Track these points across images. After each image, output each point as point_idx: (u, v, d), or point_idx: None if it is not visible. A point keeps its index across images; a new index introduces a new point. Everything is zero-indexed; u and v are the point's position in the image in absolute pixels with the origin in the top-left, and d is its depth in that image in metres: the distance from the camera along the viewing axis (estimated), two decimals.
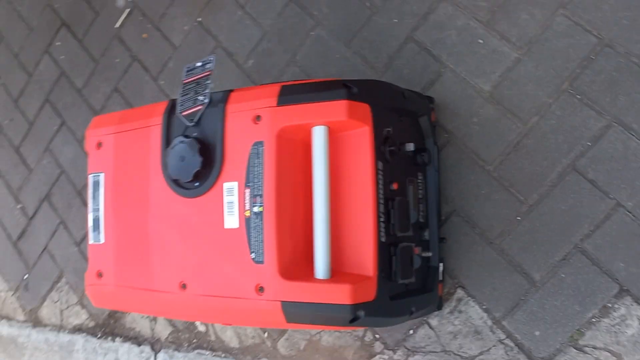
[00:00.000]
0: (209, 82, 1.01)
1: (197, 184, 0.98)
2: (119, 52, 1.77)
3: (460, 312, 1.17)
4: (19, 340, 1.95)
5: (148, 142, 1.05)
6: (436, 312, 1.19)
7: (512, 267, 1.12)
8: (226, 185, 0.96)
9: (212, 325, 1.51)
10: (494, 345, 1.13)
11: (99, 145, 1.13)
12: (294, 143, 0.94)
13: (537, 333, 1.10)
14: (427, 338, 1.20)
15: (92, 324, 1.76)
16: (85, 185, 1.77)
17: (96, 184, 1.13)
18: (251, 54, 1.50)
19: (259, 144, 0.93)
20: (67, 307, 1.82)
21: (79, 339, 1.78)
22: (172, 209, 1.01)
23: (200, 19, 1.61)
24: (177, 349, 1.57)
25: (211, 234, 0.97)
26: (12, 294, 1.98)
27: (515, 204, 1.13)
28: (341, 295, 0.85)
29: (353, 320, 0.86)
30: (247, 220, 0.93)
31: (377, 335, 1.26)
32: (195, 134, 0.99)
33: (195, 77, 1.03)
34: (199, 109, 0.99)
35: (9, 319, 2.00)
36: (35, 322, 1.91)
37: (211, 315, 1.07)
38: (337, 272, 0.91)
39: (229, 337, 1.48)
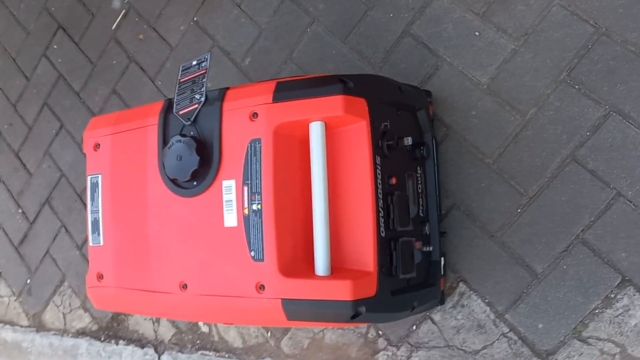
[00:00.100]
0: (204, 80, 1.01)
1: (195, 183, 0.98)
2: (115, 54, 1.76)
3: (462, 306, 1.17)
4: (23, 345, 1.95)
5: (145, 142, 1.05)
6: (439, 307, 1.18)
7: (513, 260, 1.12)
8: (224, 184, 0.96)
9: (215, 326, 1.51)
10: (497, 339, 1.13)
11: (97, 146, 1.13)
12: (291, 139, 0.93)
13: (540, 326, 1.09)
14: (430, 333, 1.20)
15: (95, 327, 1.76)
16: (85, 188, 1.77)
17: (94, 186, 1.12)
18: (248, 53, 1.49)
19: (256, 141, 0.93)
20: (70, 311, 1.82)
21: (83, 343, 1.78)
22: (171, 208, 1.01)
23: (196, 19, 1.60)
24: (181, 351, 1.57)
25: (210, 233, 0.97)
26: (15, 299, 1.98)
27: (516, 197, 1.12)
28: (342, 291, 0.85)
29: (354, 317, 0.86)
30: (246, 218, 0.93)
31: (380, 332, 1.26)
32: (192, 133, 0.99)
33: (191, 76, 1.03)
34: (195, 108, 0.99)
35: (12, 324, 2.00)
36: (39, 326, 1.92)
37: (212, 315, 1.06)
38: (337, 268, 0.91)
39: (232, 337, 1.47)
